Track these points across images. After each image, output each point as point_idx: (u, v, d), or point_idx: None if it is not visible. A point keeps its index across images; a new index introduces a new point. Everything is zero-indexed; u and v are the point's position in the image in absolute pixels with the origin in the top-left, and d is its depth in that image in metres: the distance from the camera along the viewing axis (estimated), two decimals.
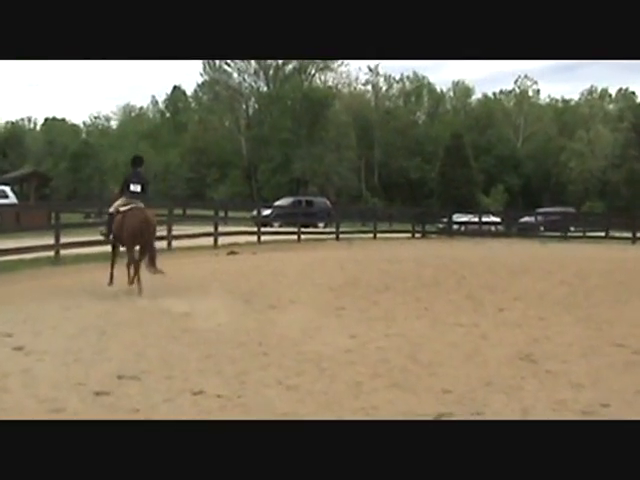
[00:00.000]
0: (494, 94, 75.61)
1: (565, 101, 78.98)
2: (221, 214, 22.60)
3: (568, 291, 9.78)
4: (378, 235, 26.61)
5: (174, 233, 17.11)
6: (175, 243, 16.92)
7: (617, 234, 29.14)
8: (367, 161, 67.92)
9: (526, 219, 36.63)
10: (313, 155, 59.16)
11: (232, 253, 16.56)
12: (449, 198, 52.54)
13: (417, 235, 29.33)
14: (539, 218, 35.02)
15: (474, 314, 7.81)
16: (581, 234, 29.15)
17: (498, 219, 36.80)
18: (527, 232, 32.25)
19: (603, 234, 28.68)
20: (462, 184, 53.56)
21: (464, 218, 36.43)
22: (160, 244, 13.15)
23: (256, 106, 69.51)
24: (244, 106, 68.17)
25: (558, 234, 28.44)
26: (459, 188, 53.24)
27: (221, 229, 19.79)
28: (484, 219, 33.91)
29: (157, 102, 76.10)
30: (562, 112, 76.58)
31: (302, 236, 22.74)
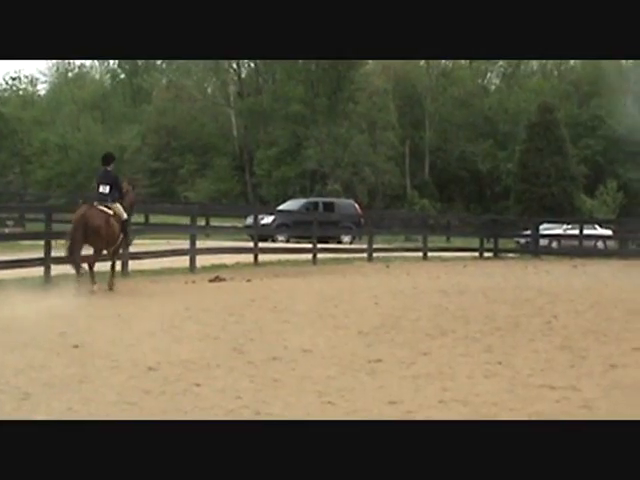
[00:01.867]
0: None
1: None
2: (201, 222, 22.75)
3: None
4: (430, 254, 26.64)
5: (132, 250, 17.13)
6: (133, 264, 17.00)
7: None
8: (414, 146, 68.13)
9: None
10: (335, 137, 59.43)
11: (217, 279, 16.63)
12: (534, 200, 52.72)
13: (487, 254, 29.32)
14: None
15: (572, 372, 7.79)
16: None
17: (608, 231, 36.66)
18: None
19: None
20: (553, 180, 53.65)
21: (557, 230, 36.39)
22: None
23: (252, 65, 69.87)
24: (235, 65, 68.41)
25: None
26: (549, 186, 53.36)
27: (200, 244, 19.89)
28: (587, 231, 33.79)
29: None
30: None
31: (319, 255, 22.83)
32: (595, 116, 68.74)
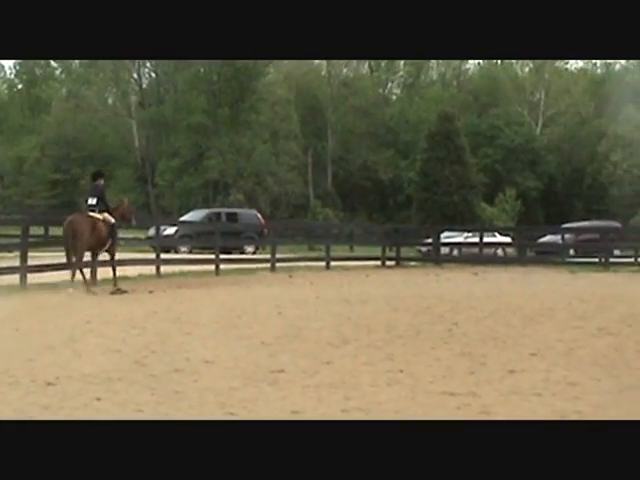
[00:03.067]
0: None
1: (605, 66, 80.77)
2: None
3: (611, 344, 9.98)
4: (333, 263, 26.77)
5: (31, 263, 17.10)
6: (32, 277, 16.71)
7: None
8: (317, 156, 68.46)
9: (548, 238, 37.41)
10: (237, 147, 59.31)
11: (118, 292, 16.42)
12: (435, 209, 53.45)
13: (389, 263, 29.61)
14: (567, 237, 35.84)
15: (472, 379, 7.90)
16: (631, 259, 29.86)
17: (507, 239, 37.45)
18: (550, 257, 32.92)
19: None
20: (454, 188, 54.51)
21: (457, 238, 36.99)
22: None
23: (153, 75, 69.33)
24: (135, 75, 67.78)
25: (596, 260, 29.05)
26: (450, 194, 54.17)
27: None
28: (487, 239, 34.43)
29: (2, 67, 74.97)
30: (600, 82, 78.61)
31: (222, 266, 22.72)
32: (493, 126, 70.19)
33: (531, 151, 70.18)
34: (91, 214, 16.99)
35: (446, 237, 36.00)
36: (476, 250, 32.53)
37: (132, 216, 19.17)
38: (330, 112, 69.03)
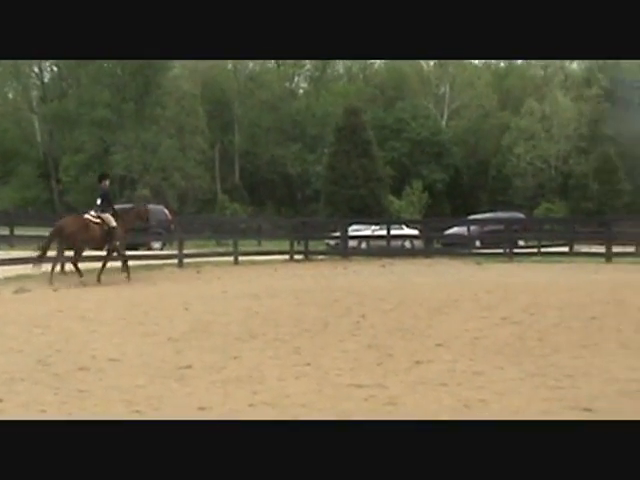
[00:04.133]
0: None
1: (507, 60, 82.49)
2: (4, 232, 21.89)
3: (514, 333, 10.17)
4: (241, 258, 26.71)
5: None
6: None
7: (585, 248, 30.69)
8: (224, 150, 68.18)
9: (455, 230, 38.03)
10: (143, 142, 58.64)
11: (21, 291, 16.10)
12: (343, 202, 53.81)
13: (298, 256, 29.67)
14: (473, 228, 36.42)
15: (379, 370, 7.96)
16: (534, 250, 30.55)
17: (414, 231, 37.91)
18: (456, 249, 33.44)
19: (566, 249, 30.17)
20: (361, 182, 54.93)
21: (365, 231, 37.29)
22: None
23: (55, 68, 67.92)
24: (36, 69, 66.33)
25: (501, 251, 29.61)
26: (357, 187, 54.59)
27: (4, 254, 19.17)
28: (394, 232, 34.80)
29: None
30: (504, 76, 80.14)
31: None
32: (400, 119, 70.88)
33: (437, 144, 71.12)
34: (85, 216, 19.01)
35: (354, 230, 36.26)
36: (384, 243, 32.87)
37: (148, 216, 21.00)
38: (237, 106, 68.83)
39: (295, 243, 30.75)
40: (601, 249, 27.85)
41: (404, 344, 9.44)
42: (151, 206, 40.77)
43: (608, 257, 26.44)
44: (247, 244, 32.78)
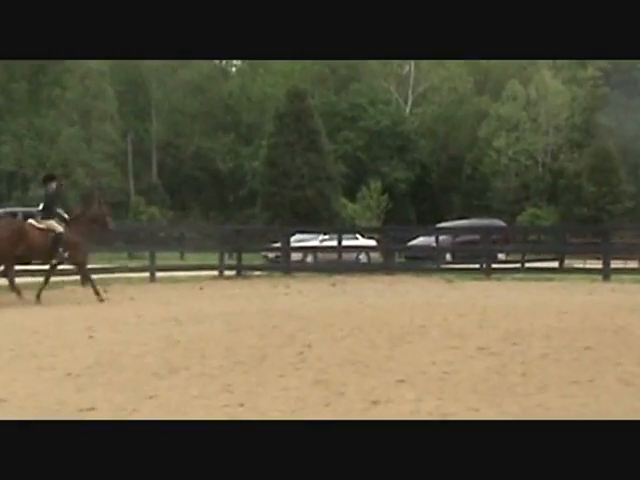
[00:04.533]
0: None
1: None
2: None
3: (492, 367, 10.22)
4: (159, 274, 26.59)
5: None
6: None
7: (579, 264, 30.89)
8: (139, 141, 67.78)
9: (421, 241, 38.18)
10: (38, 131, 58.14)
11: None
12: (285, 205, 53.81)
13: (229, 272, 29.61)
14: (443, 238, 36.57)
15: (327, 412, 7.96)
16: (517, 265, 30.78)
17: (372, 242, 38.00)
18: (422, 263, 33.55)
19: (555, 264, 30.41)
20: (307, 181, 54.97)
21: (312, 241, 37.30)
22: None
23: None
24: None
25: (476, 266, 29.79)
26: (302, 188, 54.64)
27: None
28: (347, 242, 34.86)
29: None
30: None
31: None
32: (355, 104, 70.92)
33: (400, 135, 71.39)
34: (29, 222, 19.94)
35: (298, 240, 36.26)
36: (335, 256, 32.88)
37: (107, 220, 20.97)
38: (154, 87, 68.52)
39: (226, 256, 30.64)
40: (597, 264, 28.13)
41: (358, 380, 9.45)
42: None
43: (606, 274, 26.71)
44: (167, 257, 32.56)
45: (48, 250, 19.56)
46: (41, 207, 20.29)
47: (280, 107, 57.60)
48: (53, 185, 20.78)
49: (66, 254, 19.89)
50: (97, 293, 19.70)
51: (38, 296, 19.27)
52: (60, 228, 19.66)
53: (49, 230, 19.58)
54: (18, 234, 19.17)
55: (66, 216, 20.38)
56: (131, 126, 66.52)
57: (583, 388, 8.88)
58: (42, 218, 19.84)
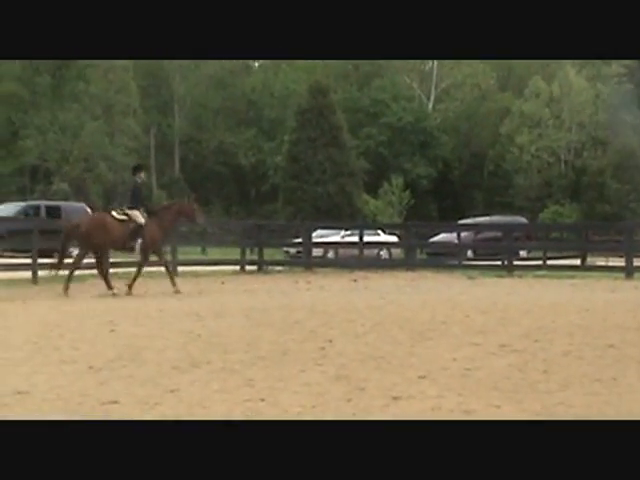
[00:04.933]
0: None
1: None
2: None
3: (514, 364, 10.17)
4: (180, 268, 26.61)
5: None
6: None
7: (601, 261, 30.75)
8: (161, 136, 67.91)
9: (443, 237, 38.11)
10: (62, 125, 58.33)
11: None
12: (306, 201, 53.73)
13: (250, 267, 29.62)
14: (465, 235, 36.51)
15: (348, 407, 7.94)
16: (539, 262, 30.68)
17: (393, 238, 37.94)
18: (444, 260, 33.50)
19: (577, 262, 30.33)
20: (329, 176, 54.88)
21: (333, 237, 37.27)
22: None
23: None
24: None
25: (498, 263, 29.72)
26: (324, 183, 54.56)
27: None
28: (368, 238, 34.80)
29: None
30: None
31: (41, 272, 22.29)
32: (377, 100, 70.82)
33: (422, 131, 71.30)
34: (112, 213, 20.54)
35: (319, 236, 36.25)
36: (356, 251, 32.84)
37: (194, 213, 21.38)
38: (177, 82, 68.65)
39: (247, 251, 30.68)
40: (620, 262, 28.01)
41: (379, 376, 9.43)
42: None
43: (629, 272, 26.53)
44: (189, 252, 32.62)
45: (126, 240, 20.07)
46: (128, 197, 20.89)
47: (302, 103, 57.52)
48: (142, 175, 21.30)
49: (138, 243, 20.21)
50: (173, 284, 20.11)
51: (129, 287, 19.80)
52: (141, 219, 20.11)
53: (130, 221, 20.05)
54: (101, 225, 19.94)
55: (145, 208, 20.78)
56: (154, 121, 66.65)
57: (606, 386, 8.84)
58: (128, 208, 20.30)
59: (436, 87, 76.19)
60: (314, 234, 33.99)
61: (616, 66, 70.47)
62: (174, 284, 20.07)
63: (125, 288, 19.68)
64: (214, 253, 36.42)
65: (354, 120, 65.27)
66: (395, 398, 8.33)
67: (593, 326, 13.53)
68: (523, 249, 34.35)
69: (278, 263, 32.67)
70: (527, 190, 66.94)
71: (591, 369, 9.77)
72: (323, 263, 32.65)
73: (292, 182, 55.26)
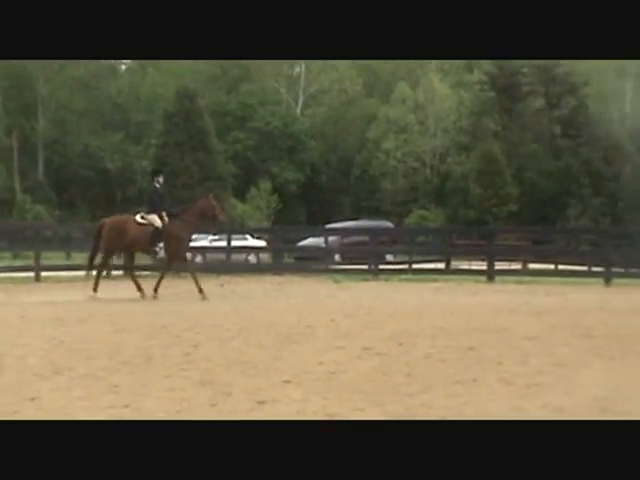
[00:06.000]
0: None
1: None
2: None
3: (378, 367, 10.29)
4: (45, 274, 26.24)
5: None
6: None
7: (464, 265, 31.25)
8: (24, 139, 66.68)
9: (310, 241, 38.26)
10: None
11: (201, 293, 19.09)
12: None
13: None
14: (332, 239, 36.67)
15: (213, 412, 7.94)
16: (404, 266, 31.05)
17: (261, 242, 37.98)
18: (311, 264, 33.65)
19: (442, 265, 30.81)
20: (197, 180, 54.69)
21: (201, 241, 37.14)
22: None
23: None
24: None
25: (364, 267, 30.03)
26: (192, 187, 54.30)
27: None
28: (236, 243, 34.79)
29: None
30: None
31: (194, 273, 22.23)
32: (245, 105, 70.84)
33: (290, 136, 71.53)
34: (136, 217, 20.85)
35: None
36: (223, 256, 32.79)
37: (216, 211, 21.30)
38: (41, 84, 67.50)
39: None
40: (482, 266, 28.58)
41: (245, 380, 9.45)
42: None
43: (490, 275, 27.18)
44: (53, 257, 32.12)
45: (147, 243, 20.64)
46: (147, 201, 21.36)
47: (169, 107, 57.19)
48: (160, 179, 21.57)
49: (160, 247, 20.74)
50: (200, 290, 19.99)
51: (155, 290, 20.39)
52: (159, 222, 20.51)
53: (149, 224, 20.50)
54: (123, 228, 20.60)
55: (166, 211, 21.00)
56: (16, 123, 65.39)
57: (466, 387, 9.02)
58: (146, 212, 20.74)
59: (304, 92, 76.54)
60: None
61: (478, 73, 71.82)
62: (200, 290, 19.99)
63: (200, 296, 19.85)
64: (78, 258, 35.88)
65: (222, 124, 65.15)
66: (260, 402, 8.36)
67: (455, 329, 13.79)
68: (389, 253, 34.72)
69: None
70: (393, 195, 67.75)
71: (452, 371, 9.96)
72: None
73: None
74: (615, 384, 9.17)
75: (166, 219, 20.59)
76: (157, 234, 20.54)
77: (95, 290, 20.25)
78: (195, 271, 21.39)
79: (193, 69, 72.43)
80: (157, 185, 21.28)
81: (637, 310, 17.03)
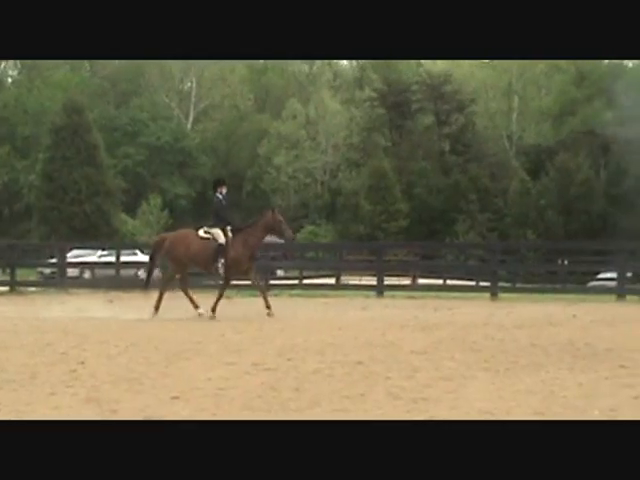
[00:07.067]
0: None
1: None
2: None
3: (267, 382, 10.31)
4: None
5: None
6: None
7: (354, 280, 31.46)
8: None
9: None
10: None
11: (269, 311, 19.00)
12: (62, 220, 52.79)
13: (2, 288, 28.90)
14: None
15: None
16: (295, 281, 31.13)
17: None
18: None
19: (332, 281, 30.96)
20: (85, 195, 54.15)
21: (90, 257, 36.78)
22: None
23: None
24: None
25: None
26: (80, 203, 53.78)
27: None
28: (126, 258, 34.52)
29: None
30: (262, 71, 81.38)
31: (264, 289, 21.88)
32: (135, 120, 70.44)
33: (181, 151, 71.29)
34: (199, 232, 19.81)
35: (75, 256, 35.66)
36: (113, 272, 32.48)
37: (283, 226, 20.03)
38: None
39: None
40: (372, 281, 28.79)
41: (132, 397, 9.38)
42: None
43: (379, 291, 27.41)
44: None
45: (208, 259, 19.52)
46: (212, 215, 20.30)
47: (57, 120, 56.59)
48: (223, 190, 20.24)
49: (222, 263, 19.53)
50: (268, 306, 19.32)
51: (213, 309, 19.41)
52: (222, 238, 19.40)
53: (212, 239, 19.46)
54: (184, 242, 19.65)
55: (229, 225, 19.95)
56: None
57: (354, 402, 9.09)
58: (210, 226, 19.75)
59: (195, 107, 76.36)
60: (70, 254, 33.42)
61: (368, 90, 72.52)
62: (268, 306, 19.30)
63: (267, 312, 19.25)
64: None
65: (111, 139, 64.64)
66: (147, 419, 8.31)
67: (344, 344, 13.88)
68: (280, 268, 34.79)
69: (32, 284, 31.94)
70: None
71: (340, 386, 10.02)
72: (79, 283, 32.06)
73: (47, 201, 54.25)
74: (499, 397, 9.33)
75: (230, 235, 19.54)
76: (219, 250, 19.42)
77: (157, 309, 19.51)
78: (265, 289, 21.06)
79: (81, 82, 71.74)
80: (220, 196, 20.06)
81: (522, 324, 17.35)
